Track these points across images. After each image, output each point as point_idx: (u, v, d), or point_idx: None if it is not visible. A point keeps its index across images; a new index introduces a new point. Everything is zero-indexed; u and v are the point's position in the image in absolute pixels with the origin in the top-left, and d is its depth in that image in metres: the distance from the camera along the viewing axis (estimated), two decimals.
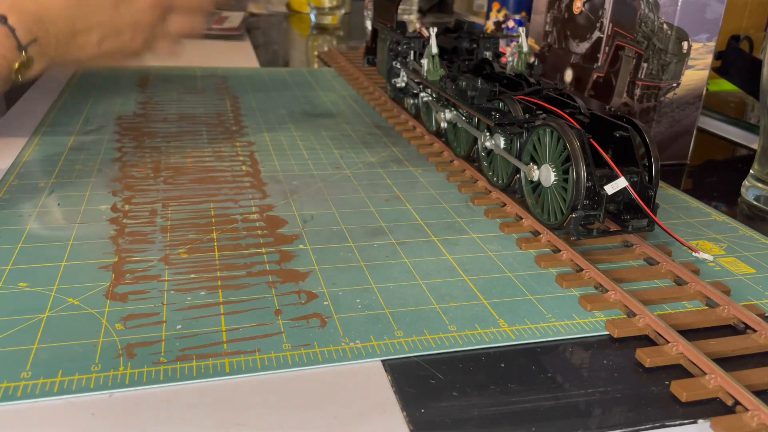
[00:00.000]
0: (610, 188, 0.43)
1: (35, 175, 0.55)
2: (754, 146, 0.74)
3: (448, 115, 0.61)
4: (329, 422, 0.30)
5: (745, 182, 0.59)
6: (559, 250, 0.45)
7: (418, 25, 1.31)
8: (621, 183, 0.43)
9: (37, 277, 0.39)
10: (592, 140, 0.45)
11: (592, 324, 0.38)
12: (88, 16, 0.51)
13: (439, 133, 0.67)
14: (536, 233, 0.48)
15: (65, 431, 0.28)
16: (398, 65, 0.74)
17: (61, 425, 0.29)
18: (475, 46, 0.70)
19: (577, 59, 0.73)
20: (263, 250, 0.44)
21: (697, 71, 0.62)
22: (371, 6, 1.08)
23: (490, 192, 0.54)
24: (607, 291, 0.40)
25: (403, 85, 0.74)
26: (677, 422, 0.31)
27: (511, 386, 0.33)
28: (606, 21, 0.68)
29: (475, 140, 0.58)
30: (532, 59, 0.67)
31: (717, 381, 0.32)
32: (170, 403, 0.30)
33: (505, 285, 0.41)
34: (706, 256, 0.46)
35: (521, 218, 0.49)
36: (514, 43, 0.67)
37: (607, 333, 0.37)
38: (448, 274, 0.42)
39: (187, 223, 0.47)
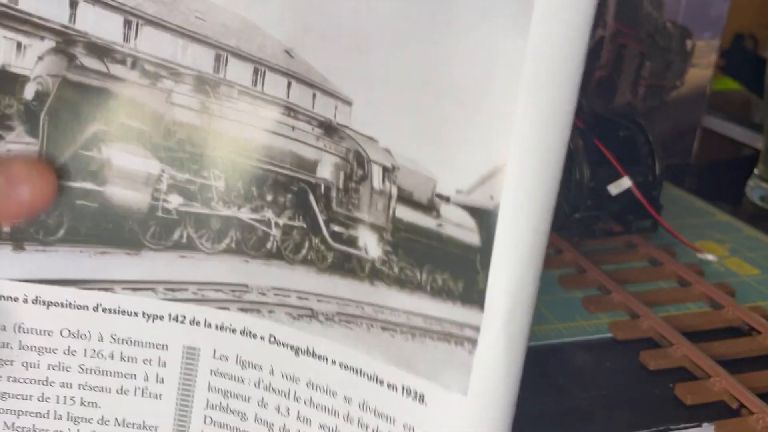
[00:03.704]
0: (614, 188, 0.43)
1: None
2: (759, 146, 0.73)
3: None
4: None
5: (750, 182, 0.59)
6: (562, 251, 0.44)
7: None
8: (625, 183, 0.42)
9: None
10: (595, 140, 0.44)
11: (596, 326, 0.37)
12: None
13: None
14: None
15: None
16: None
17: None
18: None
19: None
20: None
21: (701, 70, 0.62)
22: None
23: None
24: (610, 292, 0.39)
25: None
26: (681, 425, 0.30)
27: None
28: (609, 19, 0.67)
29: None
30: None
31: (722, 384, 0.32)
32: None
33: None
34: (710, 257, 0.45)
35: None
36: None
37: (611, 335, 0.36)
38: None
39: None
